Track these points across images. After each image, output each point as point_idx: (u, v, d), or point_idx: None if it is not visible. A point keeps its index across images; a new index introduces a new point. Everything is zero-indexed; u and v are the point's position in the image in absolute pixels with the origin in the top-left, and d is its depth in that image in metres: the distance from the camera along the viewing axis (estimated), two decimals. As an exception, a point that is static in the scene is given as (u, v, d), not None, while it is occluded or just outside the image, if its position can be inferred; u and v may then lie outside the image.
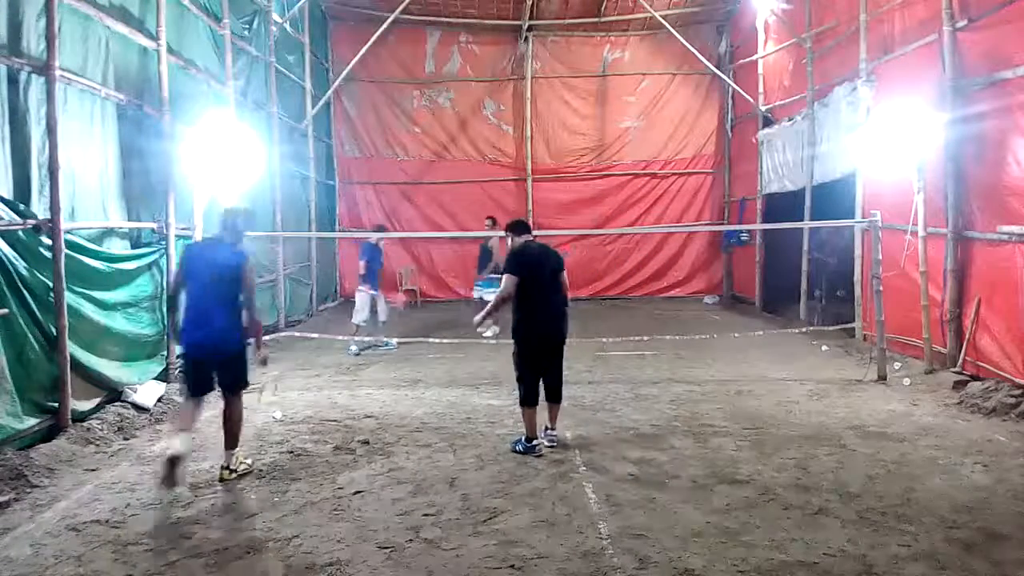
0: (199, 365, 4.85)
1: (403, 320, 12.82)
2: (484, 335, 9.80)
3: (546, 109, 15.69)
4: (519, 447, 5.42)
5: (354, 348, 9.60)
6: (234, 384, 4.95)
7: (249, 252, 5.07)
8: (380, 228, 11.13)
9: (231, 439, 4.92)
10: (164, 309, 7.31)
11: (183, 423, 4.74)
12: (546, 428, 5.60)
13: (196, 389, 4.86)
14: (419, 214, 15.53)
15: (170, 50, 7.54)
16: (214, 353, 4.83)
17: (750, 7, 13.57)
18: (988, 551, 3.73)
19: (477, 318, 5.87)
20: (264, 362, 5.17)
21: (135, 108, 6.97)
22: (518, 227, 5.90)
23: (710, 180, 15.94)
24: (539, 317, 5.51)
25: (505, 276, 5.51)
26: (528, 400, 5.49)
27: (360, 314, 9.62)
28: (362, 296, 9.69)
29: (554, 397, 5.66)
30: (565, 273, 5.73)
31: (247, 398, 5.19)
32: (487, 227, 10.97)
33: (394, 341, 9.95)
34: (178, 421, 4.93)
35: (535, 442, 5.42)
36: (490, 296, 10.68)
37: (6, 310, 4.91)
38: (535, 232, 10.99)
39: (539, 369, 5.54)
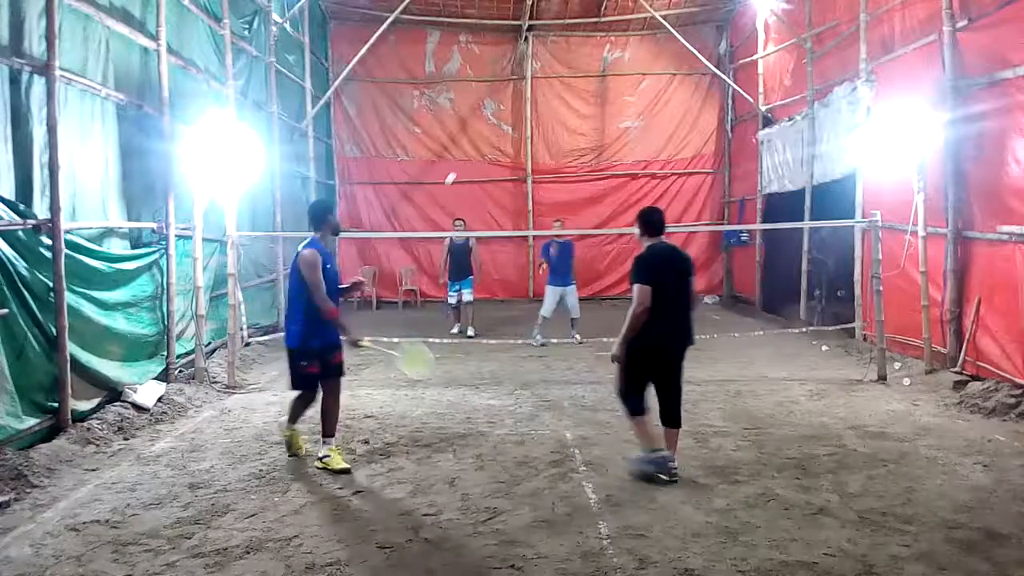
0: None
1: (402, 320, 12.83)
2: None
3: (546, 109, 15.69)
4: (645, 465, 4.79)
5: (539, 338, 10.12)
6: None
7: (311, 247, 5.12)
8: (558, 222, 11.56)
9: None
10: (163, 309, 7.32)
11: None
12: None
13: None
14: (419, 214, 15.53)
15: (170, 50, 7.54)
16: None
17: (750, 7, 13.56)
18: (988, 551, 3.73)
19: (615, 350, 4.91)
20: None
21: (135, 108, 6.97)
22: (651, 224, 5.01)
23: (710, 180, 15.94)
24: (659, 327, 4.77)
25: (636, 286, 4.77)
26: (638, 410, 4.89)
27: (543, 308, 10.28)
28: (546, 290, 10.36)
29: (672, 420, 4.94)
30: (694, 278, 5.08)
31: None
32: (458, 228, 11.14)
33: (539, 338, 10.17)
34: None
35: (661, 452, 4.77)
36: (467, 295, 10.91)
37: (6, 310, 4.91)
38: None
39: (644, 382, 4.91)
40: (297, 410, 5.38)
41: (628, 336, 4.81)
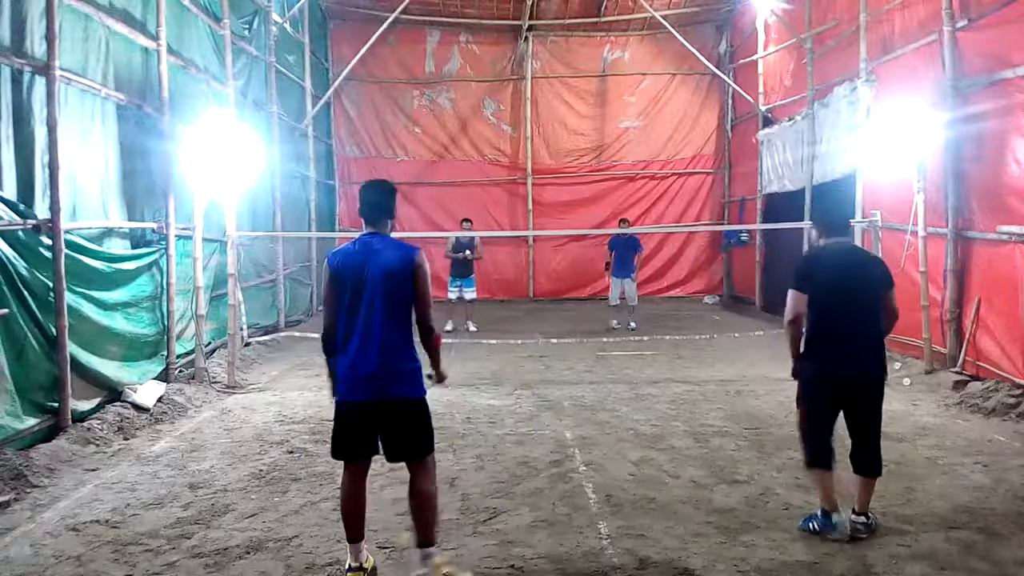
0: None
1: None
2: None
3: (546, 109, 15.69)
4: (813, 524, 3.93)
5: (613, 322, 11.62)
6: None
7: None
8: (623, 222, 12.48)
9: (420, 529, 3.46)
10: (163, 309, 7.32)
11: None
12: (852, 511, 3.97)
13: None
14: (419, 214, 15.51)
15: (170, 50, 7.54)
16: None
17: (750, 7, 13.56)
18: (988, 551, 3.73)
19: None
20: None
21: (135, 108, 6.97)
22: (828, 223, 4.21)
23: (710, 180, 15.95)
24: (829, 349, 3.96)
25: (789, 292, 4.06)
26: (813, 459, 4.01)
27: (610, 297, 11.70)
28: (611, 282, 11.67)
29: (864, 467, 4.00)
30: (893, 292, 4.12)
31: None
32: (466, 228, 11.34)
33: (613, 322, 11.58)
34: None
35: (835, 517, 3.86)
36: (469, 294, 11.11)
37: (6, 310, 4.91)
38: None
39: (824, 420, 4.02)
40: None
41: (792, 351, 4.08)
